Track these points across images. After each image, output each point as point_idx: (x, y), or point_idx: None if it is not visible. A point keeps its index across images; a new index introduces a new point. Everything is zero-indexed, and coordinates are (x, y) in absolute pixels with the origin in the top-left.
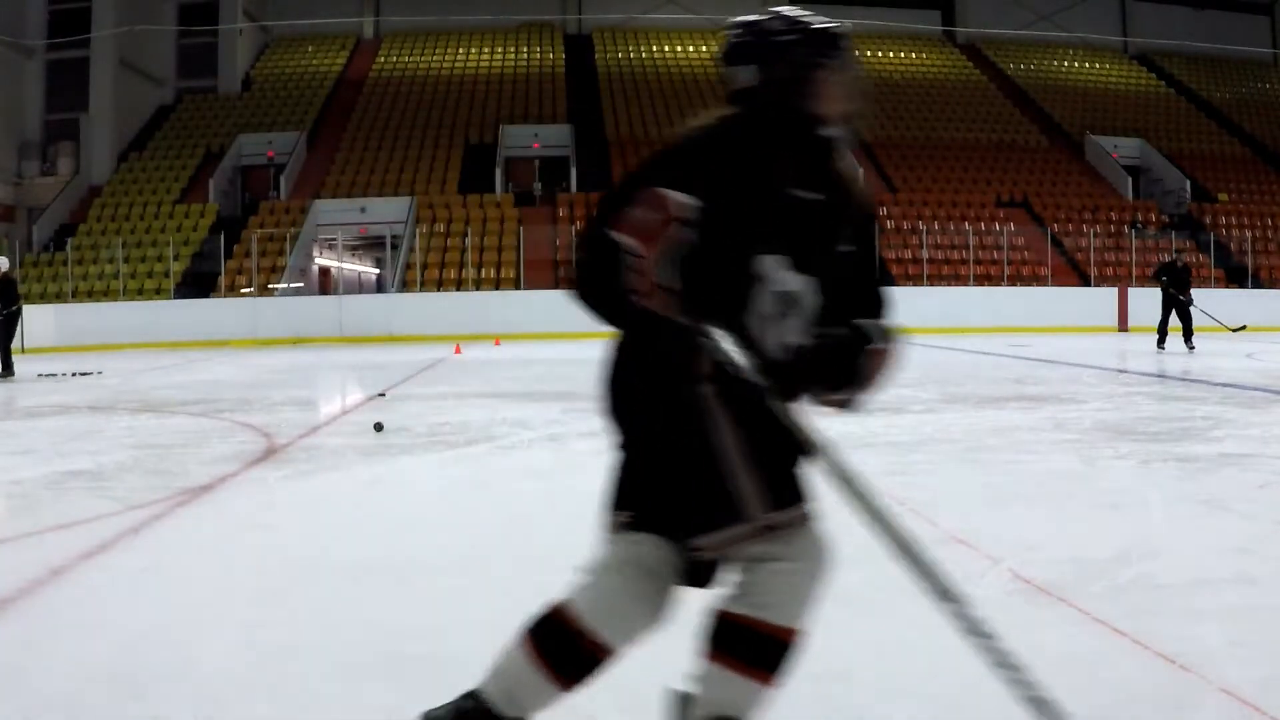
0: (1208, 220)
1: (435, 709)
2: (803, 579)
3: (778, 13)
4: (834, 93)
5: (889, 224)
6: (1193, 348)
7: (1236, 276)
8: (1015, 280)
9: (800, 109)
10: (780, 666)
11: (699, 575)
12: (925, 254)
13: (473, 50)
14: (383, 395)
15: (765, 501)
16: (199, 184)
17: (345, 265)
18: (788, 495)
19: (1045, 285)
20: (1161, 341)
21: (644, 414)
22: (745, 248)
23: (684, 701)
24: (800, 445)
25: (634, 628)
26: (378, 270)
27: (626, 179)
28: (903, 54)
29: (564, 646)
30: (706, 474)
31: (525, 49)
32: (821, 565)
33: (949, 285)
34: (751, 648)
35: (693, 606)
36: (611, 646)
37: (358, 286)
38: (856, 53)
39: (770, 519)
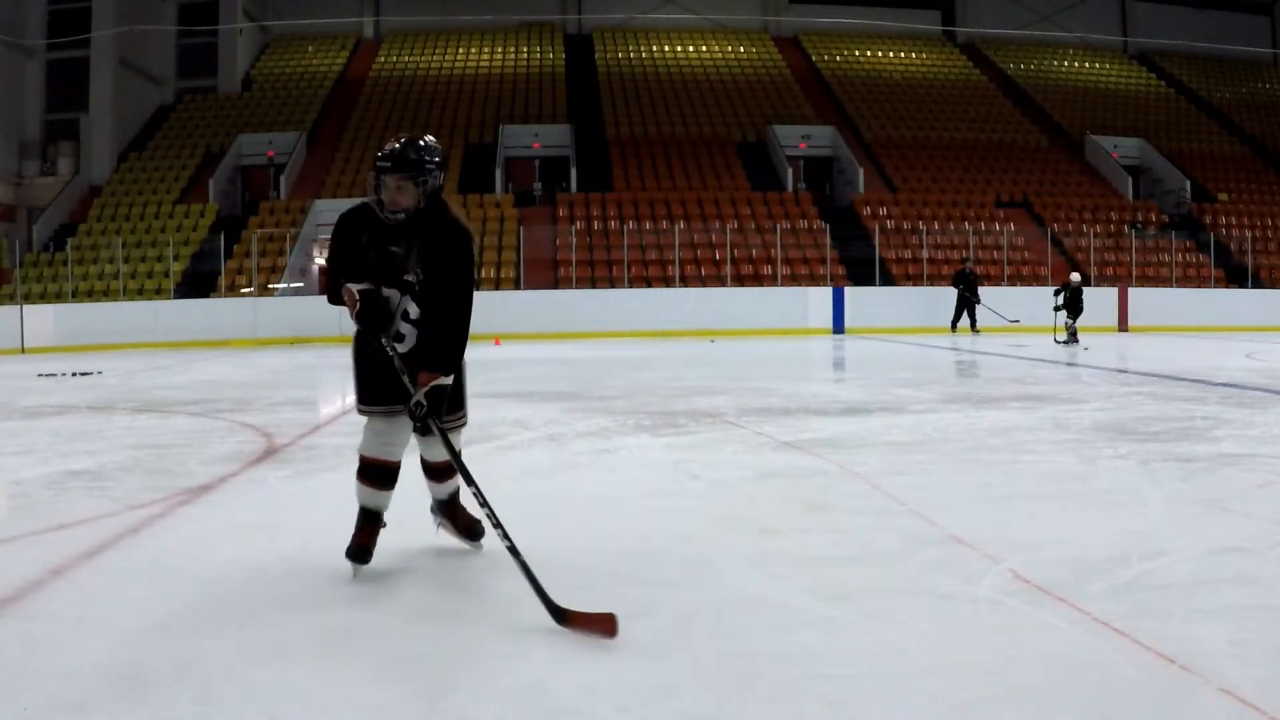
0: (1208, 220)
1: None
2: (369, 435)
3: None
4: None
5: (889, 224)
6: (977, 332)
7: (1236, 276)
8: (1015, 280)
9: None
10: (363, 477)
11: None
12: (925, 254)
13: (473, 50)
14: None
15: (362, 399)
16: (199, 184)
17: None
18: (375, 399)
19: (1045, 285)
20: (953, 327)
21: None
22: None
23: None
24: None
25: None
26: None
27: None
28: (903, 54)
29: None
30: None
31: (525, 49)
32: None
33: (949, 285)
34: (358, 468)
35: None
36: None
37: None
38: (856, 53)
39: (359, 408)
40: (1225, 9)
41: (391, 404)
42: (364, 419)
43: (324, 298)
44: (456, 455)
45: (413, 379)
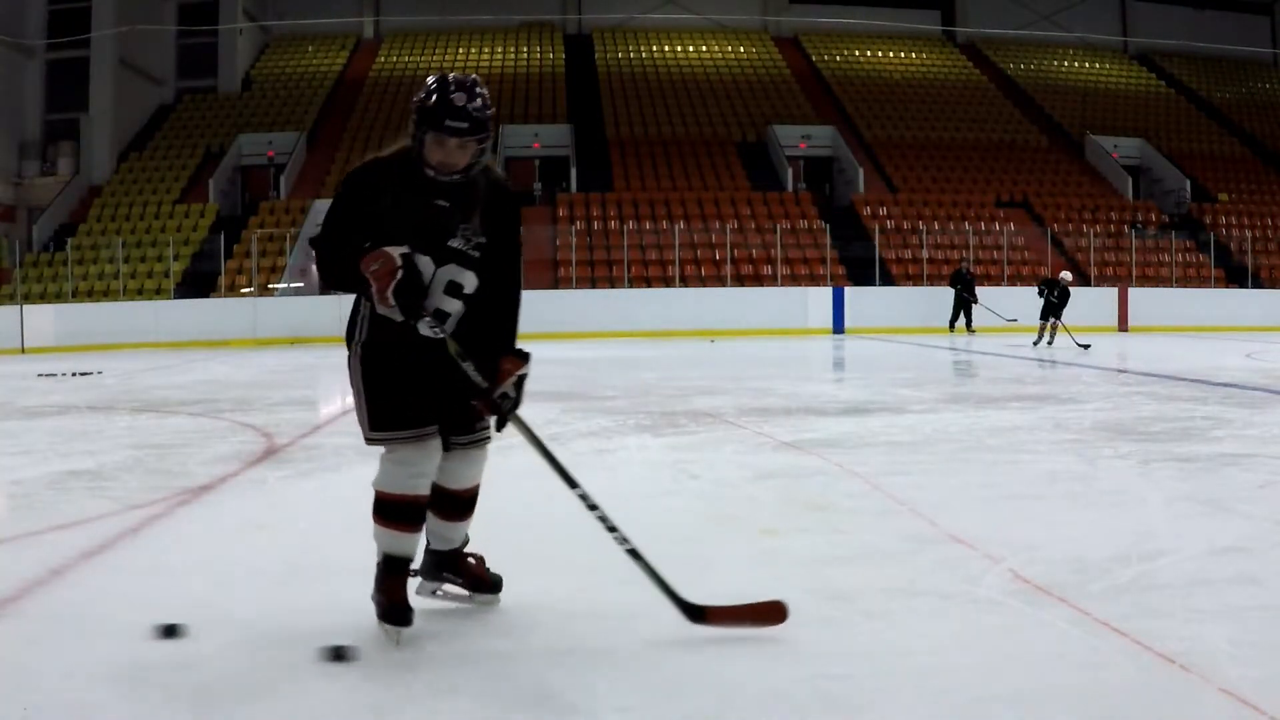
0: (1208, 220)
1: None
2: (392, 467)
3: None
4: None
5: (889, 224)
6: (973, 332)
7: (1236, 276)
8: (1015, 280)
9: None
10: (387, 519)
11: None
12: (925, 254)
13: (473, 50)
14: None
15: (381, 423)
16: (199, 184)
17: None
18: (401, 420)
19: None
20: (951, 327)
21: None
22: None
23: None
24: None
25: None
26: None
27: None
28: (903, 54)
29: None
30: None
31: (525, 49)
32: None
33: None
34: (375, 507)
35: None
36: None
37: None
38: (856, 53)
39: (372, 435)
40: (1225, 9)
41: (423, 424)
42: (379, 448)
43: (324, 298)
44: (551, 456)
45: (482, 369)
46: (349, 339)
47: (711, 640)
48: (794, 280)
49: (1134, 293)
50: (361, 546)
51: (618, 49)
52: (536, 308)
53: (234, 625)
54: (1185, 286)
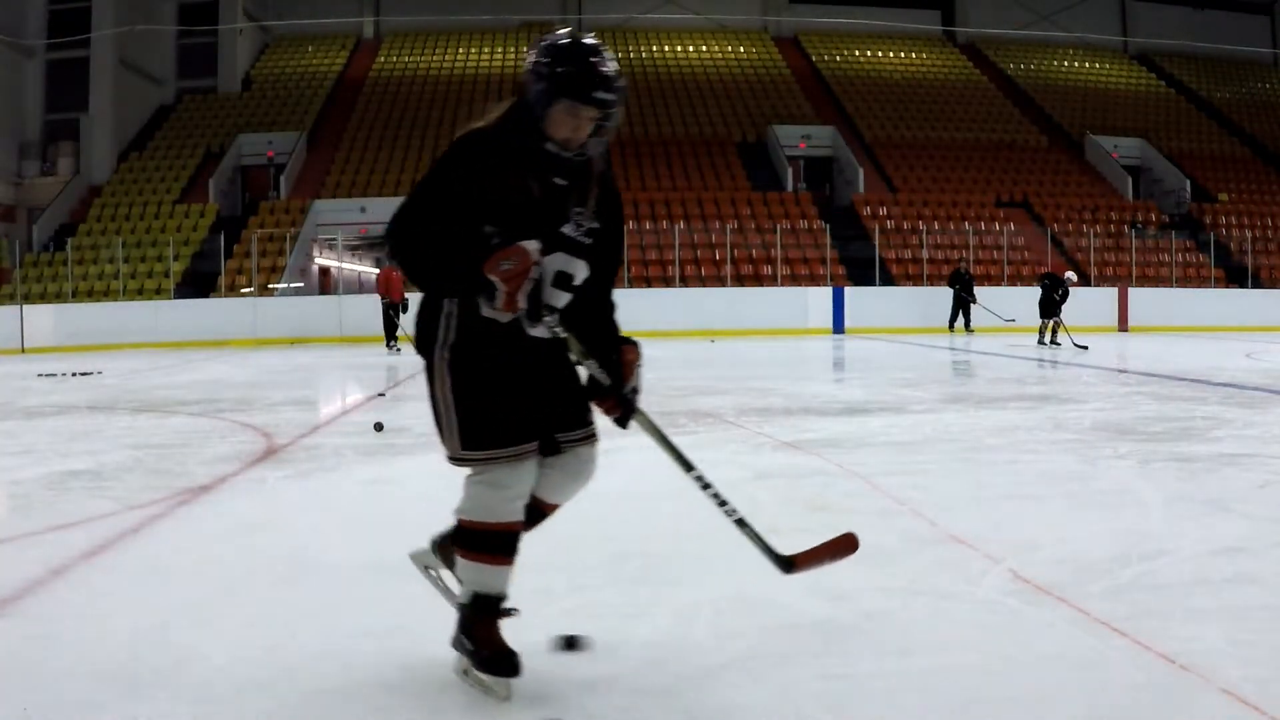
0: (1208, 220)
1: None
2: (487, 491)
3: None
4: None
5: (889, 224)
6: (971, 332)
7: (1236, 276)
8: (1015, 280)
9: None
10: (479, 553)
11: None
12: (925, 254)
13: (473, 50)
14: (383, 395)
15: (480, 439)
16: (199, 184)
17: (345, 265)
18: (506, 435)
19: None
20: (951, 326)
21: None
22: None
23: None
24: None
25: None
26: (378, 270)
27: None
28: (903, 54)
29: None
30: (435, 411)
31: (525, 49)
32: (502, 490)
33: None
34: (461, 537)
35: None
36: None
37: (358, 286)
38: (856, 53)
39: (464, 455)
40: (1225, 9)
41: (524, 440)
42: (465, 469)
43: (325, 298)
44: (669, 441)
45: (605, 365)
46: (425, 341)
47: (711, 640)
48: (794, 280)
49: (1134, 293)
50: (361, 546)
51: (617, 49)
52: None
53: (234, 625)
54: (1185, 286)
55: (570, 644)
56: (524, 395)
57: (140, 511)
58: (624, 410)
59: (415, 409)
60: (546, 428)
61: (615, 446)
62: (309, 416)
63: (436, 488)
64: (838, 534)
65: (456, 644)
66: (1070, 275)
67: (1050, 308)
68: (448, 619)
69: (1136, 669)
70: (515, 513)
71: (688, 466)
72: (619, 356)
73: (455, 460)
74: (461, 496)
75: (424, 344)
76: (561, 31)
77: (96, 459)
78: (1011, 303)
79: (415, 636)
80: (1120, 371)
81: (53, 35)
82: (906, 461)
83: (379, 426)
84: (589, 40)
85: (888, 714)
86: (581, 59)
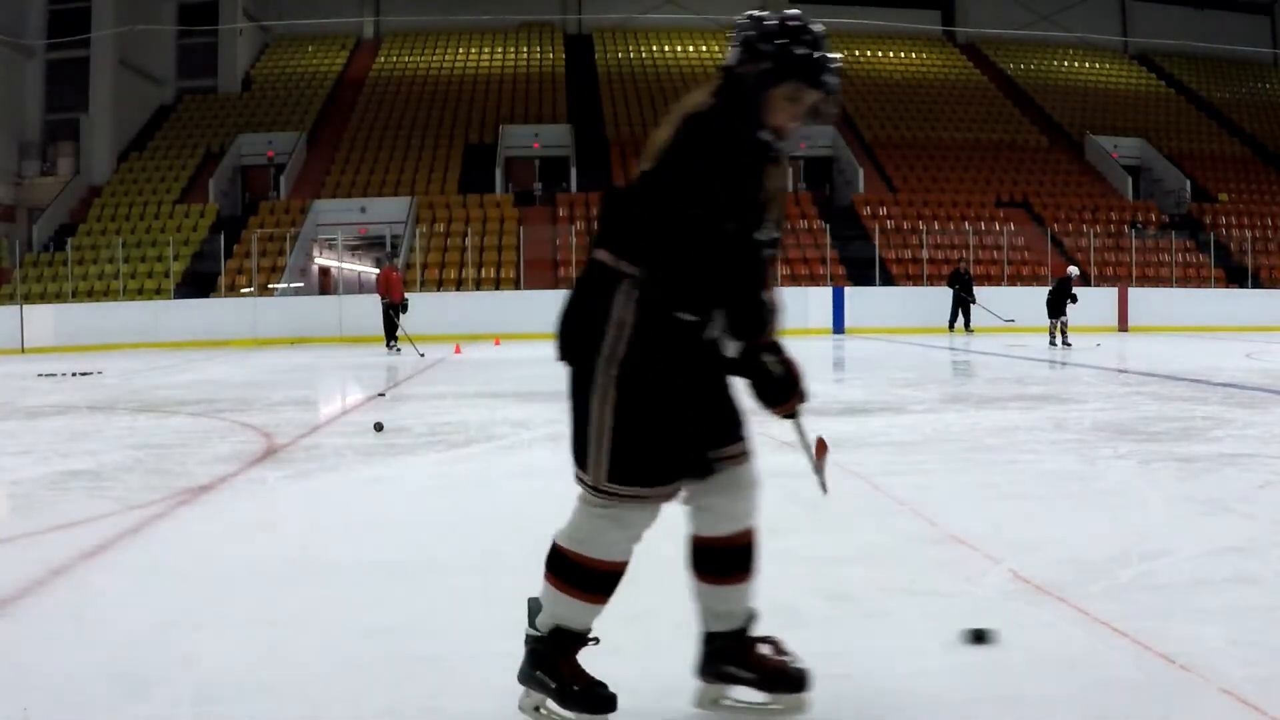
0: (1208, 220)
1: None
2: (607, 526)
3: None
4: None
5: (889, 224)
6: (971, 332)
7: (1236, 276)
8: (1015, 280)
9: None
10: (577, 588)
11: None
12: (925, 254)
13: (473, 50)
14: (383, 395)
15: (641, 475)
16: (199, 184)
17: (345, 265)
18: (667, 471)
19: (1045, 285)
20: (951, 326)
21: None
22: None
23: (533, 606)
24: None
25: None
26: (377, 270)
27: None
28: (903, 54)
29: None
30: (580, 429)
31: (525, 49)
32: (619, 524)
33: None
34: (559, 566)
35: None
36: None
37: (358, 286)
38: (856, 53)
39: (608, 487)
40: (1225, 9)
41: (674, 480)
42: (591, 502)
43: (325, 298)
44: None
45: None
46: (580, 348)
47: None
48: (794, 280)
49: (1134, 293)
50: (361, 546)
51: (618, 49)
52: (537, 308)
53: (234, 625)
54: (1185, 286)
55: (979, 637)
56: (692, 422)
57: (140, 511)
58: (794, 412)
59: (415, 409)
60: (700, 451)
61: None
62: (309, 416)
63: (436, 487)
64: (819, 448)
65: (525, 679)
66: (1073, 270)
67: (1058, 308)
68: (448, 619)
69: (1136, 669)
70: (628, 553)
71: (818, 470)
72: (781, 355)
73: (595, 490)
74: (571, 522)
75: (578, 351)
76: (768, 11)
77: (96, 459)
78: (1012, 303)
79: (415, 636)
80: (1120, 371)
81: (53, 35)
82: (906, 461)
83: (379, 426)
84: (809, 21)
85: (888, 714)
86: (811, 38)
